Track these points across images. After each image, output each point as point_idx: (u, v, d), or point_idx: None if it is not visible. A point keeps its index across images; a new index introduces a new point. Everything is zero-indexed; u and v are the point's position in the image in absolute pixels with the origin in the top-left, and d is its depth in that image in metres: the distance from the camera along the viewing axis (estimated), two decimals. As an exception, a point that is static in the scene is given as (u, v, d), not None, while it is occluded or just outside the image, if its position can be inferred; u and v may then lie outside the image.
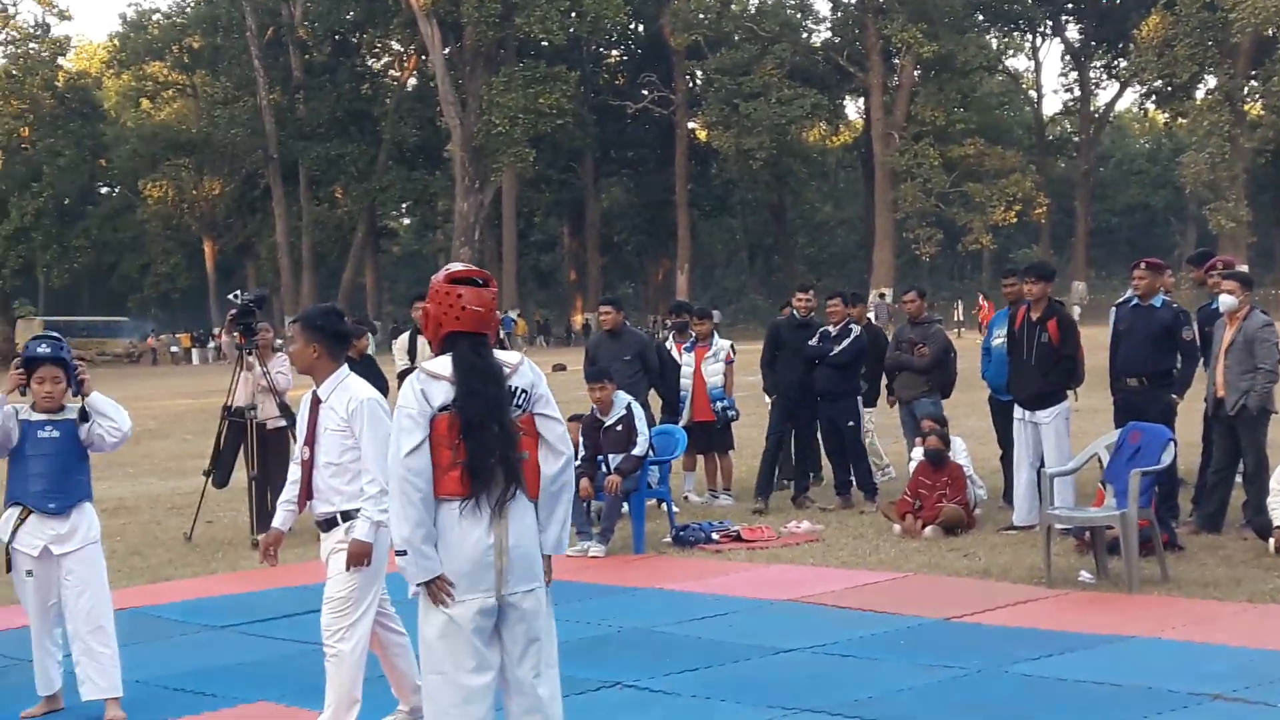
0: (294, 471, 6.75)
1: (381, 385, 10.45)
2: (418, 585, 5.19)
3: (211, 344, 67.09)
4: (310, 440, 6.52)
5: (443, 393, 5.21)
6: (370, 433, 6.37)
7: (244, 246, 78.74)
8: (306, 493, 6.56)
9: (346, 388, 6.53)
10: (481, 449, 5.15)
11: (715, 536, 11.97)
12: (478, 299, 5.32)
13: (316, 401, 6.55)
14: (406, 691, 6.81)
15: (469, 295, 5.31)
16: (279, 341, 15.69)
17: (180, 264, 79.44)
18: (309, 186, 71.34)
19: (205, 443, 21.31)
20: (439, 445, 5.17)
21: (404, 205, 76.13)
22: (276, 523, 6.79)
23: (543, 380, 5.44)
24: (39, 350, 7.13)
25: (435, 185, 69.66)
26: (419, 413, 5.18)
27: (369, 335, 17.92)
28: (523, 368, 5.38)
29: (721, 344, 14.76)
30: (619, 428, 11.84)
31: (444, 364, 5.27)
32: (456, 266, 5.48)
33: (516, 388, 5.33)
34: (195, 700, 7.57)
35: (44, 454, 7.12)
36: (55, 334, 7.41)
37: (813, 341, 13.55)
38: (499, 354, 5.37)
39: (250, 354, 13.13)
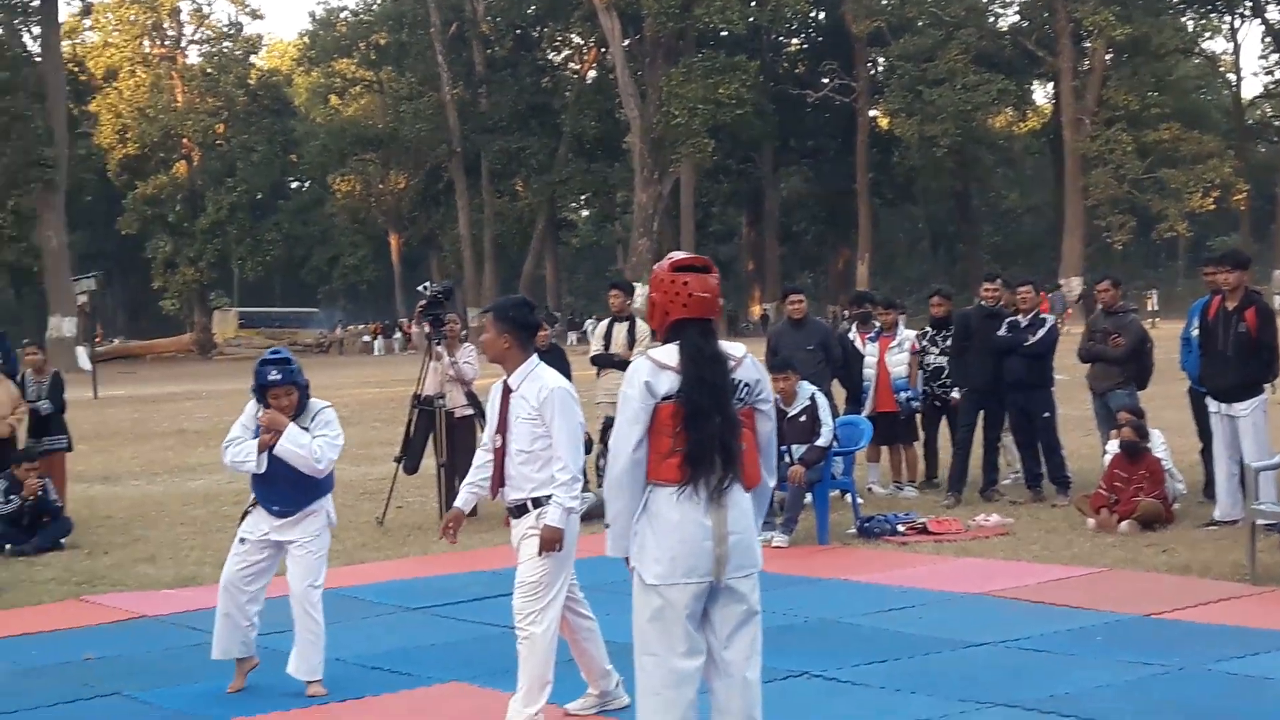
0: (481, 456, 6.86)
1: (567, 374, 10.56)
2: (632, 568, 5.28)
3: (397, 334, 68.39)
4: (502, 429, 6.61)
5: (668, 382, 5.23)
6: (561, 421, 6.46)
7: (428, 239, 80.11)
8: (499, 480, 6.64)
9: (538, 377, 6.62)
10: (703, 437, 5.17)
11: (901, 528, 11.86)
12: (702, 285, 5.34)
13: (507, 391, 6.64)
14: (595, 675, 6.88)
15: (694, 282, 5.33)
16: (465, 332, 15.91)
17: (367, 256, 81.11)
18: (491, 179, 72.27)
19: (393, 430, 21.79)
20: (660, 432, 5.21)
21: (583, 197, 76.72)
22: (459, 503, 6.93)
23: (766, 378, 5.46)
24: (270, 377, 7.40)
25: (614, 177, 70.07)
26: (643, 403, 5.23)
27: (551, 326, 18.13)
28: (746, 362, 5.38)
29: (906, 334, 14.62)
30: (803, 418, 11.80)
31: (671, 353, 5.29)
32: (679, 255, 5.50)
33: (739, 381, 5.34)
34: (392, 679, 7.73)
35: (273, 463, 7.41)
36: (283, 354, 7.61)
37: (1001, 332, 13.35)
38: (724, 345, 5.37)
39: (439, 344, 13.36)
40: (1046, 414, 13.31)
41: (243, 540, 7.54)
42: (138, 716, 7.17)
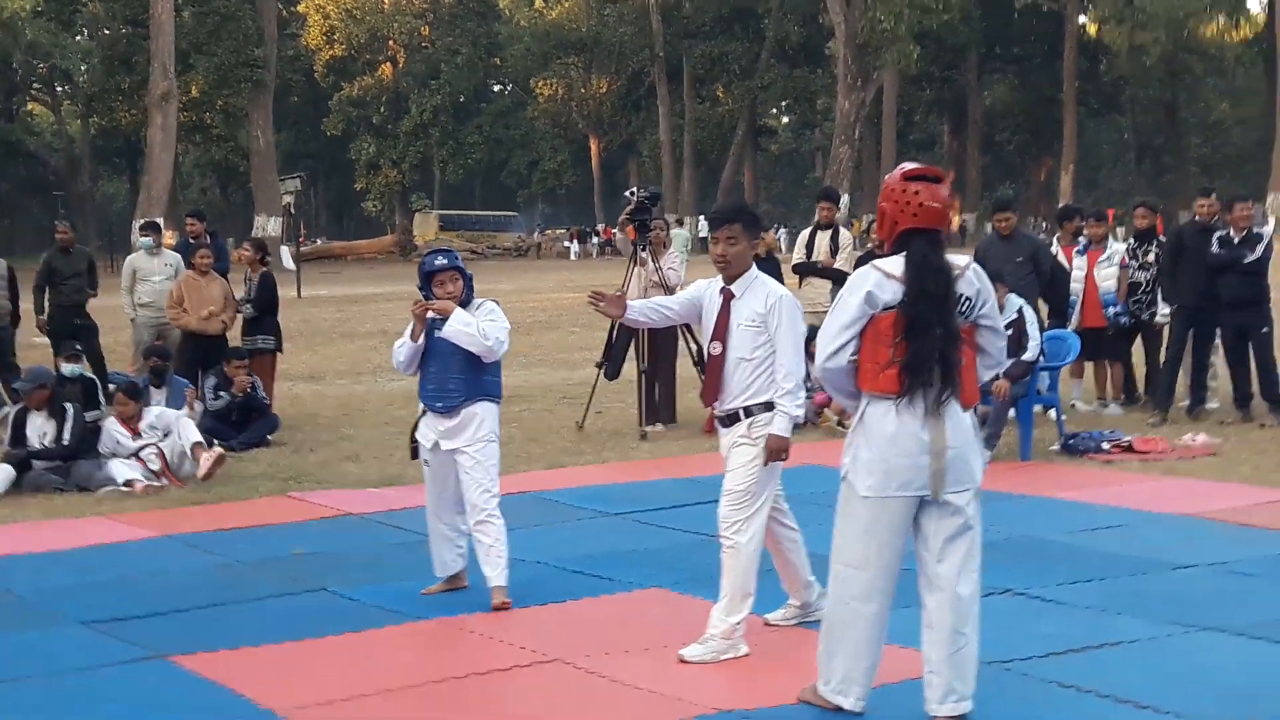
0: (665, 300, 7.08)
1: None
2: (844, 476, 5.35)
3: (594, 240, 68.74)
4: (721, 335, 6.50)
5: (891, 291, 5.24)
6: (787, 328, 6.39)
7: (627, 144, 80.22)
8: (716, 388, 6.53)
9: (763, 283, 6.53)
10: (922, 349, 5.17)
11: (1106, 446, 11.60)
12: (933, 195, 5.29)
13: (729, 297, 6.53)
14: (798, 586, 6.85)
15: (925, 192, 5.28)
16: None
17: (566, 161, 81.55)
18: (692, 85, 72.00)
19: (591, 335, 21.96)
20: (879, 342, 5.23)
21: (784, 103, 76.03)
22: (632, 310, 6.88)
23: (989, 288, 5.41)
24: (437, 263, 7.45)
25: (816, 83, 69.27)
26: (859, 311, 5.26)
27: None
28: (969, 274, 5.35)
29: (1117, 248, 14.23)
30: (1009, 331, 11.55)
31: (896, 263, 5.27)
32: (910, 165, 5.43)
33: (962, 295, 5.31)
34: (592, 583, 7.80)
35: (435, 354, 7.38)
36: (448, 247, 7.73)
37: (1215, 249, 12.90)
38: (950, 256, 5.34)
39: (643, 249, 13.35)
40: (1265, 329, 12.87)
41: (426, 463, 7.56)
42: (344, 612, 7.33)
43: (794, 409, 6.37)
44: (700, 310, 6.64)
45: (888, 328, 5.21)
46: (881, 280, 5.25)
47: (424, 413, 7.52)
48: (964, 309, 5.31)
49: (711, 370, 6.54)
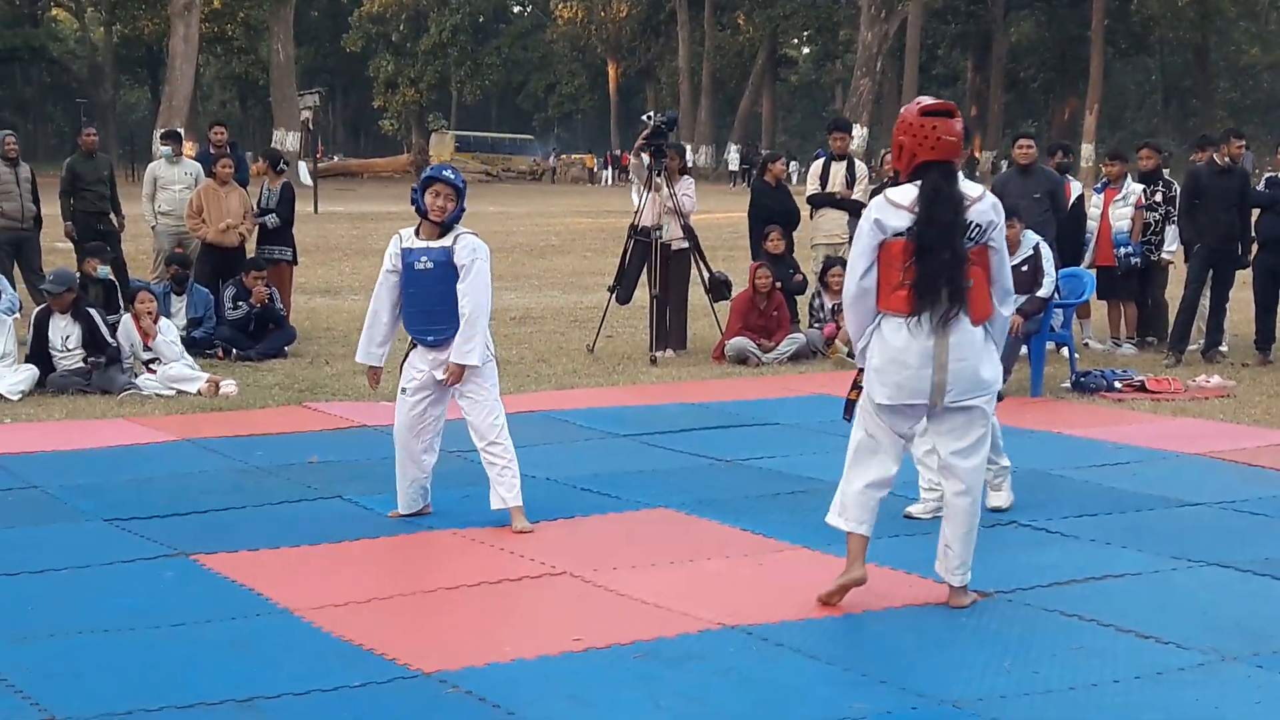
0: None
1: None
2: (862, 385, 5.94)
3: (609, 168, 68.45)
4: None
5: (902, 220, 5.70)
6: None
7: (646, 70, 79.72)
8: None
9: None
10: (929, 272, 5.64)
11: (1118, 385, 11.66)
12: (949, 129, 5.72)
13: None
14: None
15: (942, 126, 5.72)
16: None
17: (584, 85, 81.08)
18: (713, 11, 71.43)
19: (604, 260, 22.00)
20: (891, 266, 5.72)
21: (805, 33, 75.41)
22: None
23: (1001, 219, 5.81)
24: (445, 173, 7.28)
25: (839, 14, 68.72)
26: (871, 238, 5.76)
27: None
28: (982, 204, 5.77)
29: (1134, 188, 14.19)
30: (1024, 268, 11.53)
31: (908, 193, 5.74)
32: (926, 100, 5.85)
33: (972, 222, 5.74)
34: (600, 500, 7.89)
35: (421, 287, 7.20)
36: (456, 170, 7.49)
37: (1260, 187, 13.00)
38: (963, 185, 5.76)
39: (659, 175, 13.35)
40: None
41: (404, 390, 7.36)
42: (357, 520, 7.44)
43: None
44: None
45: (899, 253, 5.69)
46: (888, 208, 5.74)
47: (413, 345, 7.37)
48: (973, 234, 5.74)
49: None
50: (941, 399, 5.76)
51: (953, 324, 5.69)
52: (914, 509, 7.40)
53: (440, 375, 7.25)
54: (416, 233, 7.28)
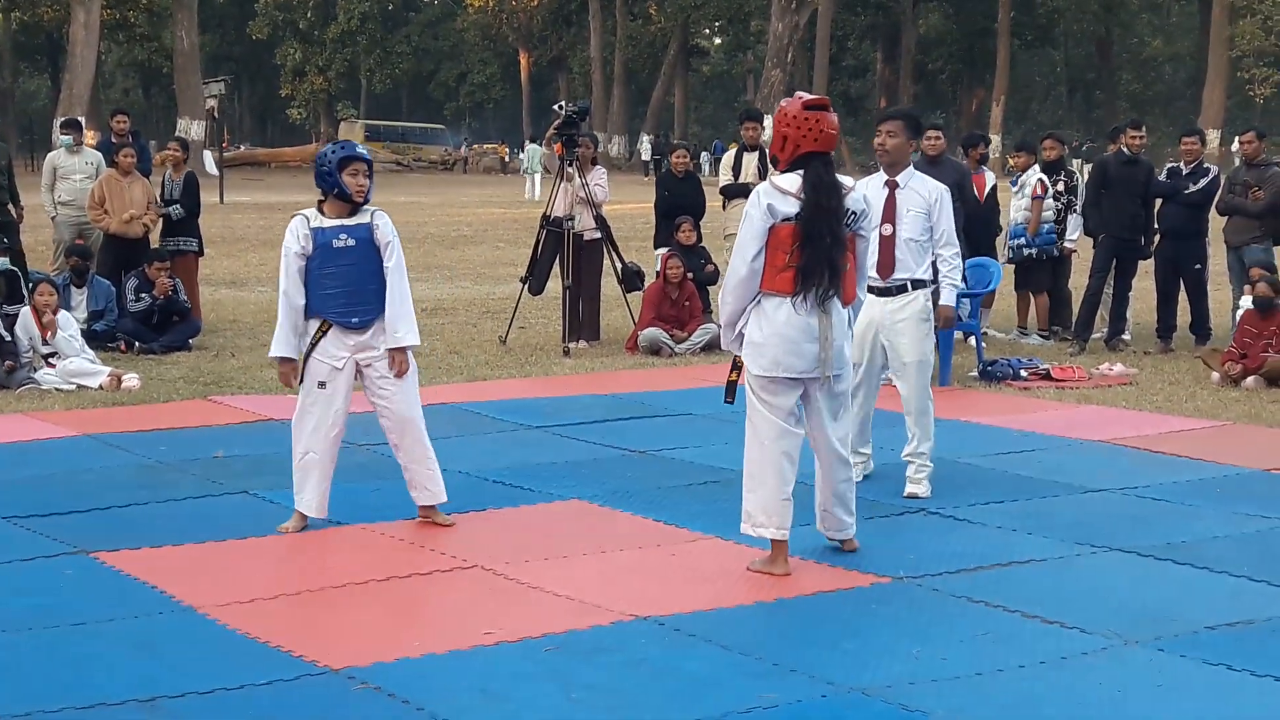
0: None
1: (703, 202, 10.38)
2: (743, 365, 6.30)
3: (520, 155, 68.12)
4: (891, 219, 7.66)
5: (790, 205, 6.12)
6: (947, 215, 7.75)
7: (558, 60, 79.59)
8: (889, 263, 7.64)
9: (922, 179, 7.80)
10: (815, 255, 6.09)
11: (1024, 374, 11.78)
12: (829, 122, 6.20)
13: (894, 187, 7.71)
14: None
15: (824, 119, 6.19)
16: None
17: (496, 74, 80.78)
18: (625, 1, 71.40)
19: (516, 251, 21.95)
20: (776, 249, 6.13)
21: (717, 24, 75.55)
22: None
23: (873, 210, 6.40)
24: (360, 150, 7.03)
25: (750, 5, 68.83)
26: (764, 222, 6.15)
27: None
28: (855, 193, 6.31)
29: (1029, 179, 14.13)
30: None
31: (793, 180, 6.17)
32: (806, 95, 6.32)
33: (848, 210, 6.24)
34: (512, 493, 7.87)
35: (342, 266, 6.89)
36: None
37: (1162, 178, 13.19)
38: (839, 176, 6.25)
39: (570, 165, 13.31)
40: (1198, 266, 13.12)
41: (323, 384, 6.96)
42: (265, 514, 7.35)
43: (959, 283, 8.09)
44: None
45: (786, 237, 6.10)
46: (778, 194, 6.14)
47: (324, 332, 6.96)
48: (849, 221, 6.24)
49: (883, 249, 7.61)
50: (827, 371, 6.18)
51: (829, 304, 6.15)
52: None
53: (363, 357, 6.97)
54: (320, 212, 7.01)
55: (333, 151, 6.98)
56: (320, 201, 7.04)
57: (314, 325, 6.99)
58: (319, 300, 6.95)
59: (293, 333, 6.99)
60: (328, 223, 6.97)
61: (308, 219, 6.99)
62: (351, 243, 6.92)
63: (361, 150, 7.09)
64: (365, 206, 7.00)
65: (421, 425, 7.16)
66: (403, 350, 7.01)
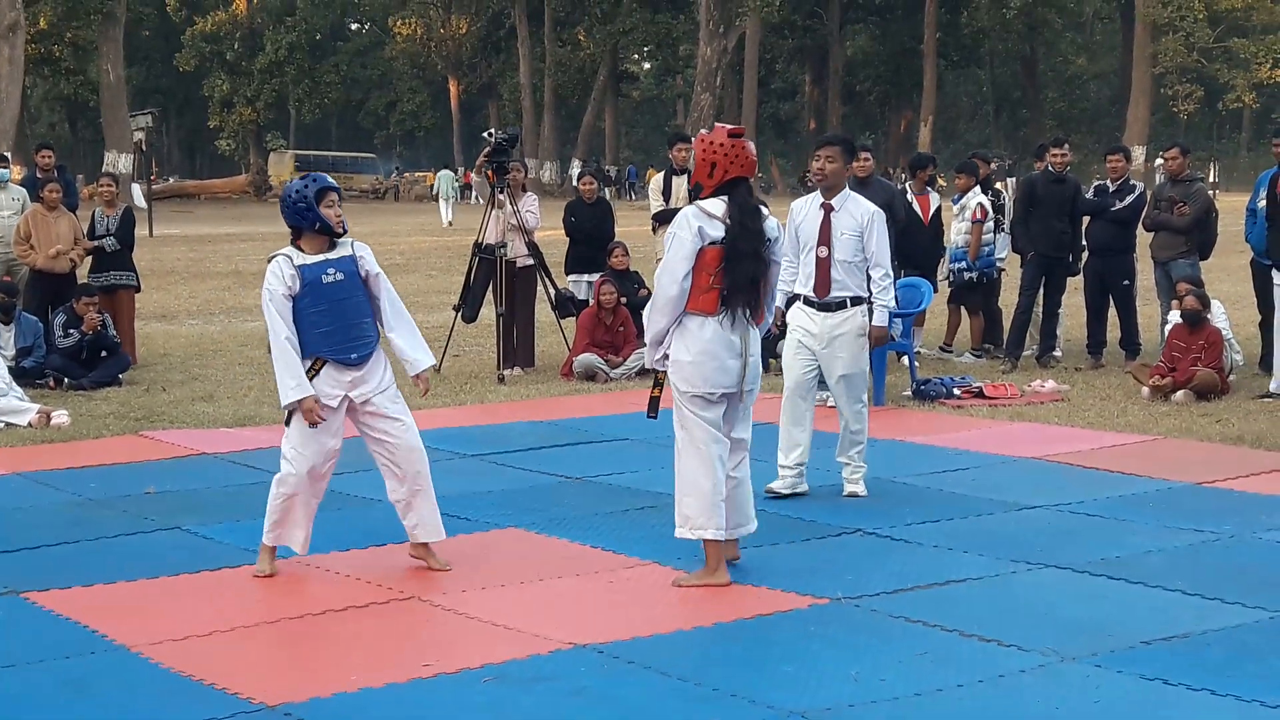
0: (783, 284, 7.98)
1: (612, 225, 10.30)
2: (668, 381, 6.56)
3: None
4: (826, 241, 8.09)
5: (716, 229, 6.38)
6: (880, 237, 8.10)
7: (487, 87, 79.50)
8: (826, 284, 8.08)
9: (857, 200, 8.18)
10: (739, 276, 6.35)
11: (957, 392, 11.86)
12: (750, 150, 6.51)
13: (829, 210, 8.11)
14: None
15: (747, 147, 6.50)
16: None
17: (425, 102, 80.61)
18: (553, 28, 71.47)
19: (449, 279, 21.86)
20: (702, 270, 6.37)
21: (646, 49, 75.75)
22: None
23: (783, 237, 6.79)
24: (330, 180, 6.87)
25: (678, 29, 69.06)
26: (694, 244, 6.37)
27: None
28: (771, 220, 6.63)
29: (970, 201, 14.23)
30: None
31: (718, 204, 6.43)
32: (729, 126, 6.60)
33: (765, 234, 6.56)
34: (449, 522, 7.70)
35: (335, 302, 6.67)
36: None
37: (1089, 195, 13.32)
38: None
39: (501, 192, 13.30)
40: (1126, 282, 13.26)
41: (314, 424, 6.65)
42: (199, 550, 7.28)
43: (890, 302, 8.48)
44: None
45: (712, 259, 6.35)
46: (706, 217, 6.39)
47: (317, 370, 6.69)
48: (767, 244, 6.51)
49: (820, 270, 8.09)
50: (744, 385, 6.49)
51: (749, 322, 6.46)
52: (776, 485, 8.21)
53: (358, 394, 6.77)
54: (298, 249, 6.78)
55: (305, 186, 6.74)
56: (294, 240, 6.83)
57: (305, 364, 6.71)
58: (313, 339, 6.70)
59: (298, 375, 6.63)
60: (310, 259, 6.72)
61: (290, 258, 6.72)
62: (340, 276, 6.72)
63: (331, 180, 6.92)
64: (342, 240, 6.83)
65: (426, 470, 6.97)
66: (421, 375, 7.03)
